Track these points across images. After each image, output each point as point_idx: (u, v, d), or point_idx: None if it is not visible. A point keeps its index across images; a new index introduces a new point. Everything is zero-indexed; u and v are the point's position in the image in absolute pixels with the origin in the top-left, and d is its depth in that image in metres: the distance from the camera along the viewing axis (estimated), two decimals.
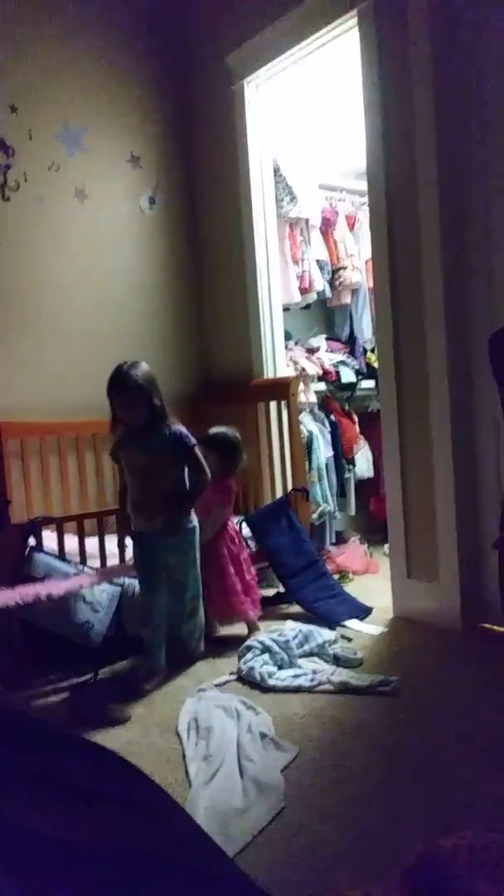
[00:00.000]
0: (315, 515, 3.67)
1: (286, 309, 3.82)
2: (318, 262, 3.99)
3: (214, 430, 2.86)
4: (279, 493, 3.43)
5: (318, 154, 4.03)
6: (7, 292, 3.23)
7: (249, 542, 3.15)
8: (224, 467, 2.80)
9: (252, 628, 2.79)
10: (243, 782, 1.76)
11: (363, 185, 3.19)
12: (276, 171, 3.68)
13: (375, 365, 3.25)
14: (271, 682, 2.32)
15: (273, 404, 3.47)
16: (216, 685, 2.37)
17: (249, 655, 2.47)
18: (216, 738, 1.95)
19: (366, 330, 4.29)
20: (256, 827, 1.59)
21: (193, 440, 2.48)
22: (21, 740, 0.91)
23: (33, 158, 3.32)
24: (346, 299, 4.21)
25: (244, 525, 3.15)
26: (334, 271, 4.12)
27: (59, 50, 3.40)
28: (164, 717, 2.17)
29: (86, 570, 2.59)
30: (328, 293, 4.09)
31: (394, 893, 1.28)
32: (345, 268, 4.12)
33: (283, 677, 2.35)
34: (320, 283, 3.98)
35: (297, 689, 2.28)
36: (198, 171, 3.85)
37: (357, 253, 4.19)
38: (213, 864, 0.77)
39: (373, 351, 4.16)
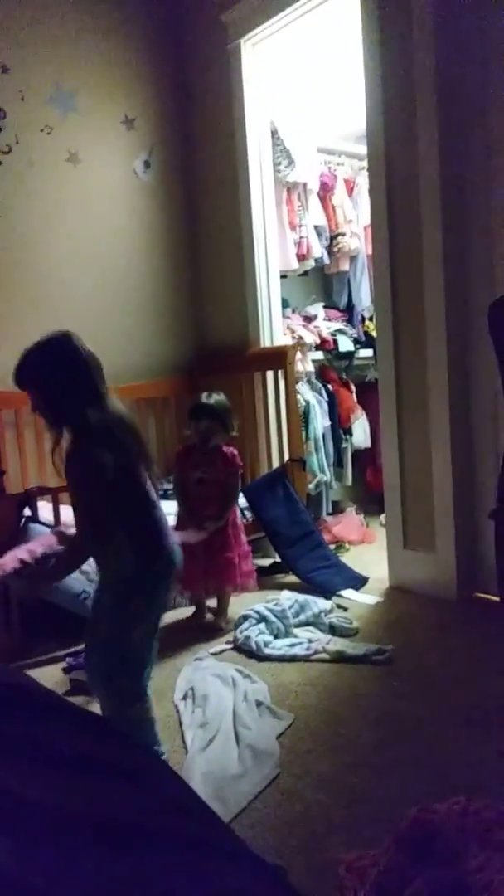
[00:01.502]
0: (312, 486, 3.66)
1: (283, 276, 3.76)
2: (316, 227, 3.92)
3: (211, 397, 2.62)
4: (276, 464, 3.42)
5: (317, 116, 3.94)
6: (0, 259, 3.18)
7: (245, 512, 3.15)
8: (226, 435, 2.65)
9: (224, 608, 2.68)
10: (239, 749, 1.78)
11: (363, 149, 3.13)
12: (274, 133, 3.60)
13: (374, 333, 3.22)
14: (267, 650, 2.34)
15: (270, 374, 3.44)
16: (212, 654, 2.38)
17: (246, 625, 2.48)
18: (212, 706, 1.97)
19: (364, 298, 4.23)
20: (252, 792, 1.61)
21: (93, 459, 1.51)
22: (13, 709, 0.92)
23: (25, 121, 3.24)
24: (345, 266, 4.15)
25: (240, 496, 3.14)
26: (332, 237, 4.06)
27: (50, 8, 3.29)
28: (161, 685, 2.18)
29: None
30: (326, 260, 4.03)
31: (387, 856, 1.30)
32: (343, 234, 4.05)
33: (279, 646, 2.37)
34: (318, 250, 3.92)
35: (293, 658, 2.30)
36: (194, 133, 3.76)
37: (356, 219, 4.12)
38: (207, 829, 0.77)
39: (371, 319, 4.12)
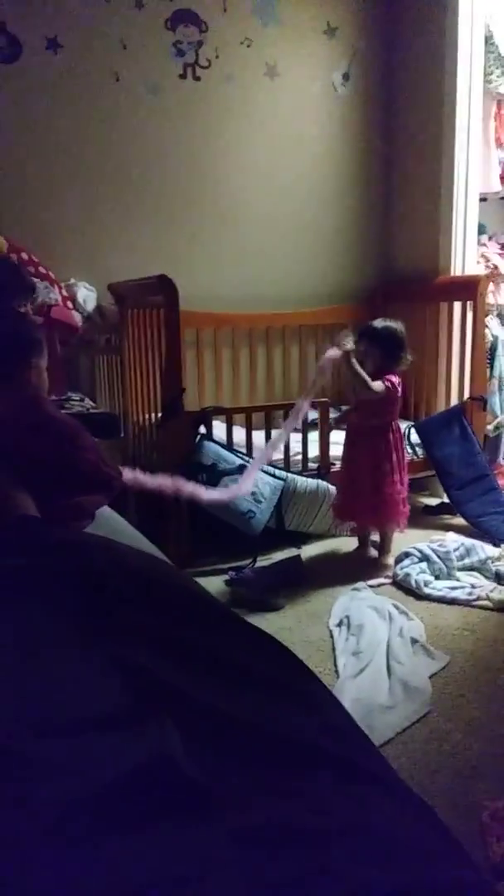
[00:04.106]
0: (491, 427, 3.46)
1: (483, 199, 3.48)
2: None
3: (382, 322, 2.58)
4: (454, 400, 3.26)
5: None
6: (193, 178, 3.22)
7: (417, 448, 3.06)
8: (385, 362, 2.54)
9: (386, 546, 2.63)
10: (390, 682, 1.79)
11: None
12: (488, 39, 3.26)
13: None
14: (427, 590, 2.30)
15: (458, 305, 3.24)
16: (370, 586, 2.39)
17: (407, 562, 2.45)
18: (367, 636, 1.99)
19: None
20: (400, 725, 1.62)
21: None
22: (188, 615, 0.97)
23: (225, 33, 3.19)
24: None
25: (412, 431, 3.05)
26: None
27: None
28: (318, 609, 2.24)
29: (250, 460, 2.65)
30: None
31: None
32: None
33: (440, 587, 2.32)
34: None
35: (453, 602, 2.25)
36: (398, 41, 3.50)
37: None
38: (365, 757, 0.78)
39: None
